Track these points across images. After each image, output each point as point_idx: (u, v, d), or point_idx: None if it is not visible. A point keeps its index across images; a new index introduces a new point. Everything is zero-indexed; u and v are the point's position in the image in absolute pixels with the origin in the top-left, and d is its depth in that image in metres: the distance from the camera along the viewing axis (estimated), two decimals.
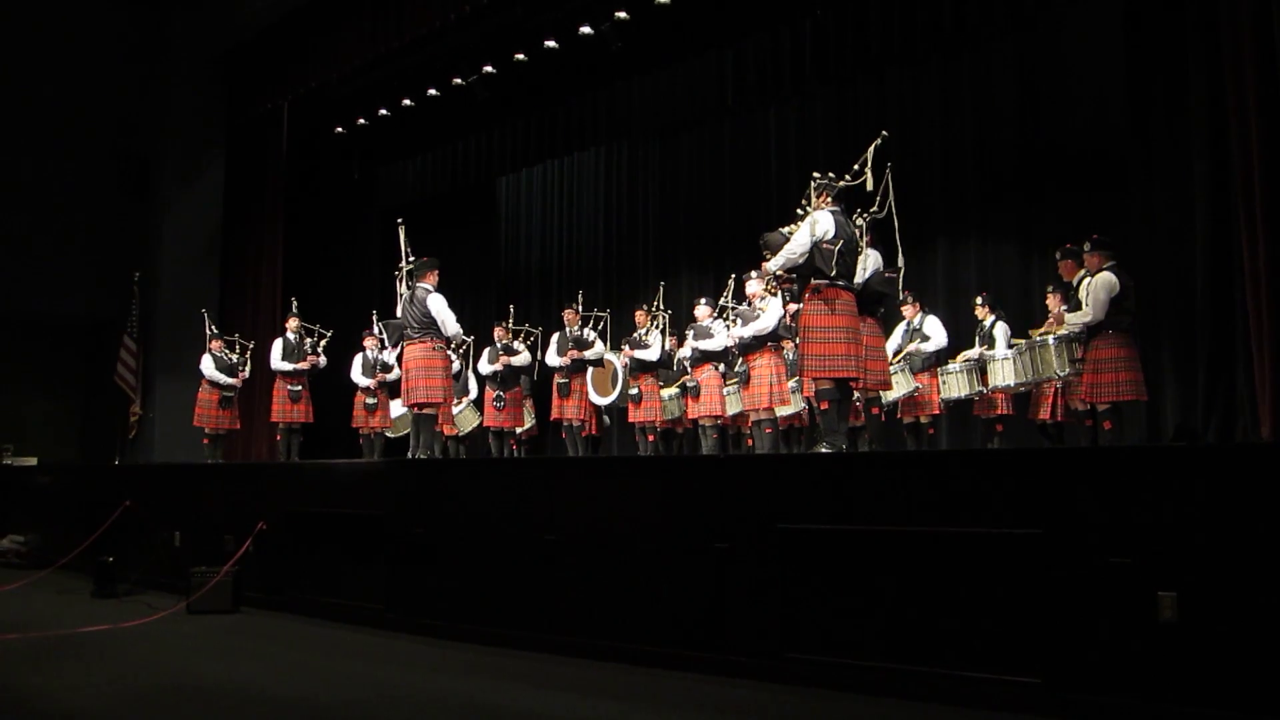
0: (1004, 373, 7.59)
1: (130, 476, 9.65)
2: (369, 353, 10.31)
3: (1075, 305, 6.96)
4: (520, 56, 10.39)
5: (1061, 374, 7.05)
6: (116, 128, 12.81)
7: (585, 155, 13.26)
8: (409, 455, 7.79)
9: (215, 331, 10.45)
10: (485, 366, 10.18)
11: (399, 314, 7.81)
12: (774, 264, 6.10)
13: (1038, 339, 7.20)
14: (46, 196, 12.27)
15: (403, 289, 7.89)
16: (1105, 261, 6.68)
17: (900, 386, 7.97)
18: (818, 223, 5.83)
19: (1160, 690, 3.65)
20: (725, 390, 8.64)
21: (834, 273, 5.80)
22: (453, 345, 8.08)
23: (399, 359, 8.99)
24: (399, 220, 8.22)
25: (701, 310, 8.92)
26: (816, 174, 6.22)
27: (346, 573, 6.71)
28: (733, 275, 9.31)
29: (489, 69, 10.74)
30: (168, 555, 8.03)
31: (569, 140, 11.35)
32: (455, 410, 10.17)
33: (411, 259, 7.88)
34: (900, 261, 6.57)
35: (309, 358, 10.08)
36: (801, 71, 9.20)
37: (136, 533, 8.37)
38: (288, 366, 9.98)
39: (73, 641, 5.87)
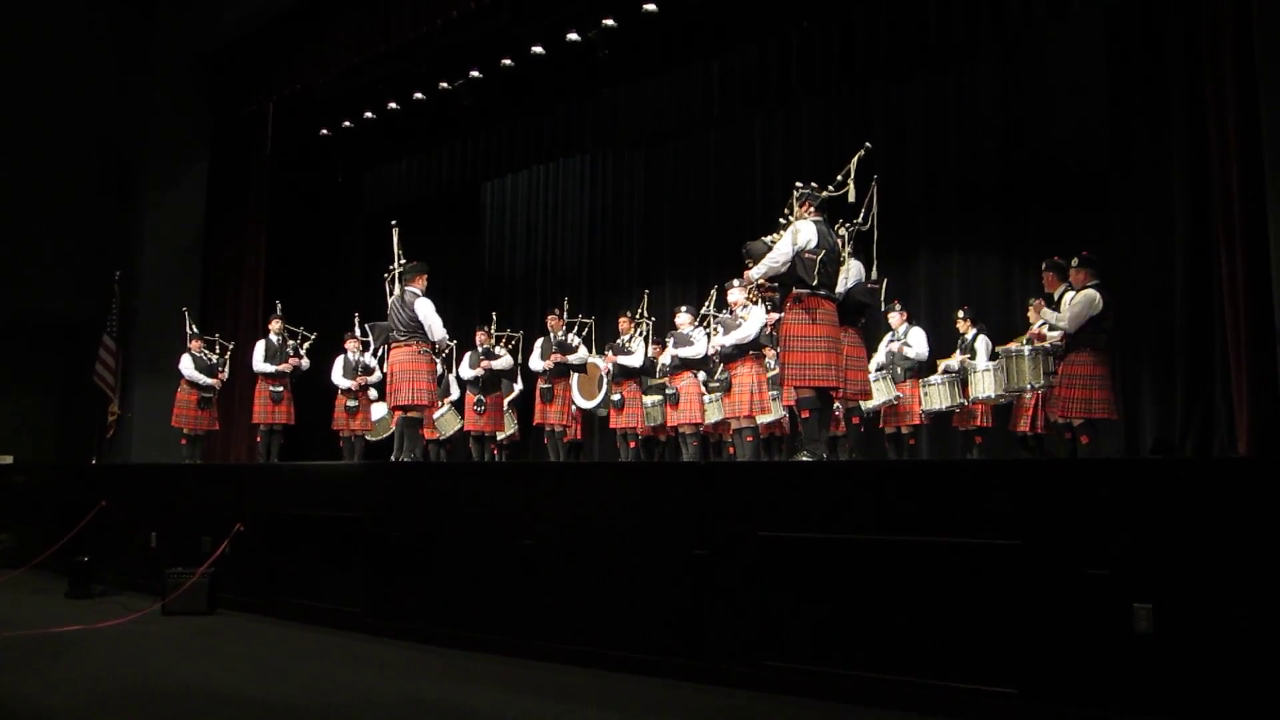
0: (984, 384, 7.65)
1: (107, 476, 9.55)
2: (351, 355, 10.28)
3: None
4: (507, 62, 10.39)
5: (1036, 385, 7.11)
6: (99, 128, 12.70)
7: (570, 162, 13.28)
8: (393, 458, 7.77)
9: (195, 331, 10.38)
10: (466, 371, 10.17)
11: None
12: (756, 272, 6.13)
13: (1014, 349, 7.26)
14: (27, 196, 12.14)
15: (392, 291, 7.86)
16: (1090, 279, 6.75)
17: (881, 394, 8.01)
18: (800, 232, 5.87)
19: (1135, 701, 3.67)
20: (707, 399, 8.66)
21: (815, 282, 5.83)
22: (436, 350, 8.09)
23: (381, 361, 8.94)
24: (393, 222, 8.15)
25: (682, 318, 8.94)
26: (799, 184, 6.25)
27: (325, 576, 6.66)
28: (715, 286, 9.34)
29: (475, 74, 10.74)
30: (144, 556, 7.95)
31: (554, 147, 11.35)
32: (436, 414, 10.15)
33: (403, 262, 7.86)
34: (874, 274, 6.61)
35: (291, 359, 10.04)
36: (787, 82, 9.25)
37: (112, 533, 8.29)
38: (270, 368, 9.93)
39: (46, 642, 5.80)
